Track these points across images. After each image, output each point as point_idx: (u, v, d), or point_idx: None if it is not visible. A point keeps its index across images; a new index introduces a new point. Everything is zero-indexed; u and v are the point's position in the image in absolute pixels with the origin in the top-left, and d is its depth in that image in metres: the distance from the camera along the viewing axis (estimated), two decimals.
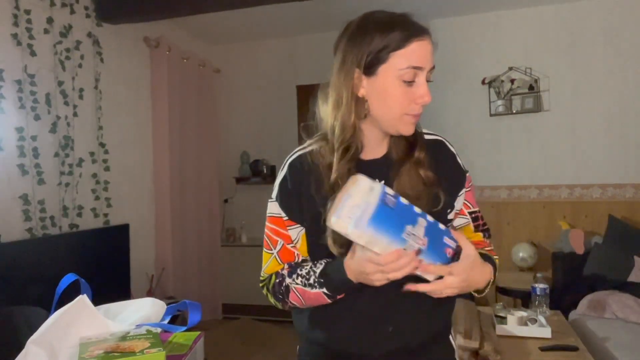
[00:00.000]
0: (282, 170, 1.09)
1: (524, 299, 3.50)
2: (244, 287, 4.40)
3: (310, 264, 1.05)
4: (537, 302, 2.51)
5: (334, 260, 0.99)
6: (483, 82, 4.02)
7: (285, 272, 1.08)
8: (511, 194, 4.03)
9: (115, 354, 0.73)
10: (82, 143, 3.07)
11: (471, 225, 1.14)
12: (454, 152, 1.13)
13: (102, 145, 3.23)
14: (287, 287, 1.07)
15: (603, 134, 3.81)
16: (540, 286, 2.51)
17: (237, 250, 4.47)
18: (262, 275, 1.14)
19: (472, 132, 4.09)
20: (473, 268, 0.93)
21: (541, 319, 2.29)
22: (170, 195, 3.75)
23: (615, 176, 3.78)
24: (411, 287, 0.92)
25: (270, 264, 1.11)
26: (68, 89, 2.96)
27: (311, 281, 1.02)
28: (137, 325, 0.84)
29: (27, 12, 2.69)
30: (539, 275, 2.67)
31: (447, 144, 1.13)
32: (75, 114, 3.01)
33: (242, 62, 4.72)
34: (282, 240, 1.08)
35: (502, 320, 2.31)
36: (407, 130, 1.01)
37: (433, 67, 0.99)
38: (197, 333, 0.95)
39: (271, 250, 1.10)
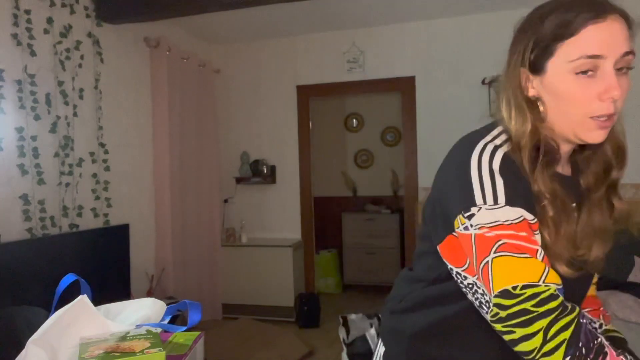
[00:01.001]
0: (493, 161, 0.81)
1: None
2: (244, 287, 4.40)
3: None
4: None
5: None
6: (483, 82, 4.02)
7: (595, 331, 0.79)
8: None
9: (115, 354, 0.73)
10: (82, 143, 3.07)
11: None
12: None
13: (102, 145, 3.23)
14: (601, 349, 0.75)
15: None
16: None
17: (237, 250, 4.47)
18: (535, 285, 0.75)
19: None
20: None
21: None
22: (170, 195, 3.75)
23: None
24: None
25: (549, 272, 0.76)
26: (68, 89, 2.96)
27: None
28: (137, 325, 0.84)
29: (27, 12, 2.69)
30: None
31: None
32: (75, 114, 3.01)
33: (242, 62, 4.72)
34: (541, 250, 0.79)
35: None
36: (593, 137, 0.83)
37: (629, 53, 0.78)
38: (197, 333, 0.95)
39: (535, 256, 0.77)
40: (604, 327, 1.02)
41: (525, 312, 0.74)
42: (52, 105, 2.84)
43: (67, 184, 2.94)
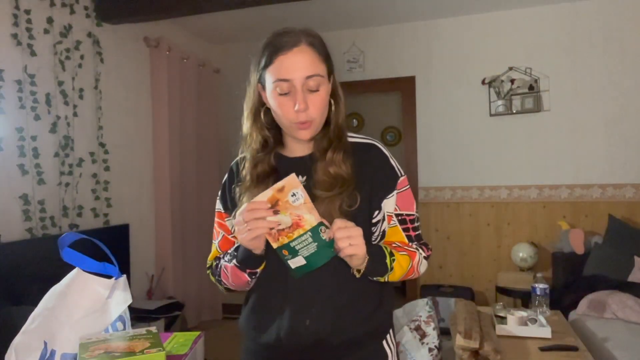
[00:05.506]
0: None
1: (524, 299, 3.50)
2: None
3: None
4: (537, 302, 2.51)
5: None
6: (483, 82, 4.02)
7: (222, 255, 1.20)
8: (511, 194, 4.03)
9: (115, 354, 0.73)
10: (82, 143, 3.07)
11: (399, 228, 1.14)
12: (387, 154, 1.20)
13: (102, 145, 3.23)
14: (218, 266, 1.23)
15: (603, 134, 3.81)
16: (540, 286, 2.51)
17: None
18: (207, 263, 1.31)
19: (472, 132, 4.09)
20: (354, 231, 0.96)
21: (541, 319, 2.29)
22: (170, 195, 3.75)
23: (615, 176, 3.78)
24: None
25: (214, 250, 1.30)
26: (68, 89, 2.96)
27: (229, 256, 1.15)
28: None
29: (27, 12, 2.69)
30: (539, 275, 2.67)
31: (381, 147, 1.20)
32: (75, 114, 3.01)
33: (242, 62, 4.69)
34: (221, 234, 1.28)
35: (502, 320, 2.31)
36: (300, 135, 1.09)
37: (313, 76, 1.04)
38: (197, 333, 0.95)
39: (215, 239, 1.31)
40: None
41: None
42: (52, 105, 2.84)
43: (67, 184, 2.94)
